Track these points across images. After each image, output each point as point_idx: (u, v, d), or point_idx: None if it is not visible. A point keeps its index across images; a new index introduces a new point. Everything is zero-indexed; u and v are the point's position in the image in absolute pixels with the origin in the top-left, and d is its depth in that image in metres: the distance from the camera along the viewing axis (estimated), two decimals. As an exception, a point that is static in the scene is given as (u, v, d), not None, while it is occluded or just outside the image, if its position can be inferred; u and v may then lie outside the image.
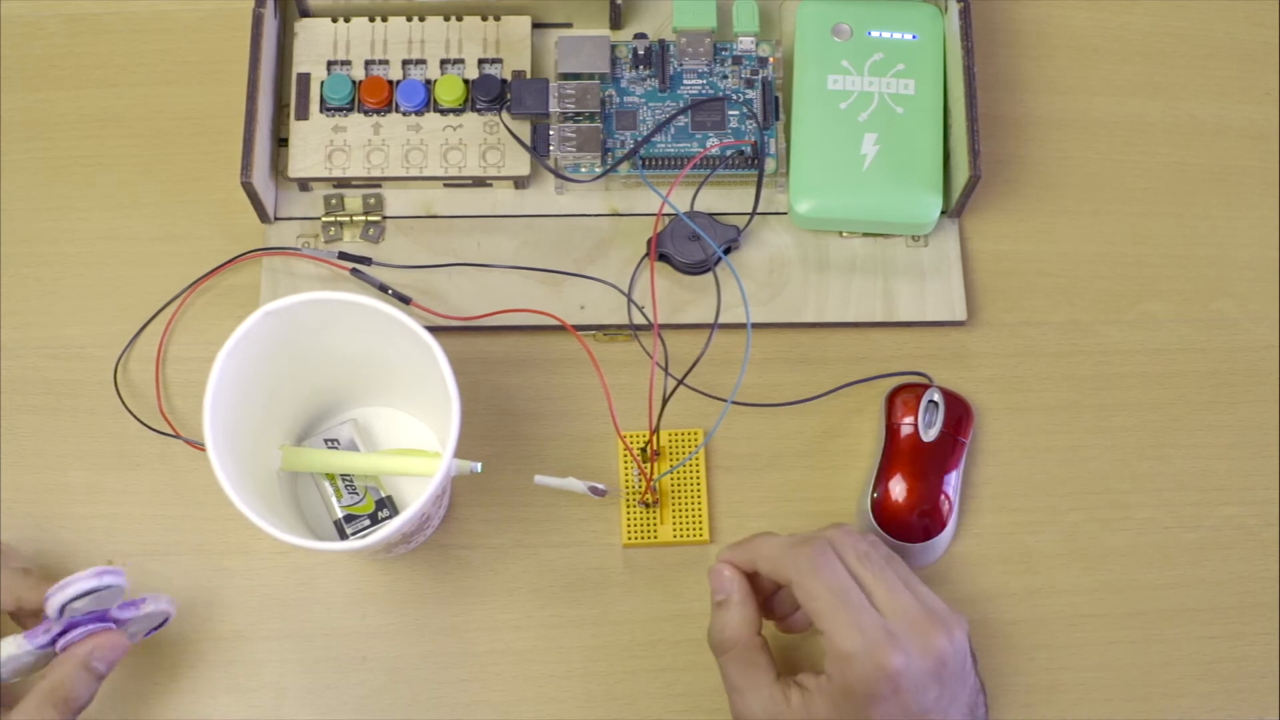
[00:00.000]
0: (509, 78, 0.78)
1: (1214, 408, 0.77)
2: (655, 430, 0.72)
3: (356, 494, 0.73)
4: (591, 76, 0.78)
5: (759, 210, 0.78)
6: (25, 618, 0.67)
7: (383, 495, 0.73)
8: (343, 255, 0.77)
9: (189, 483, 0.74)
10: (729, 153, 0.77)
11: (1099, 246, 0.79)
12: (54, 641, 0.64)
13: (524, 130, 0.78)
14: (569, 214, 0.78)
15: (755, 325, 0.76)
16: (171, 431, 0.75)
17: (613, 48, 0.79)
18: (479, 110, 0.78)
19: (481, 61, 0.79)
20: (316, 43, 0.79)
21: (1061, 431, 0.76)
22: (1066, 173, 0.81)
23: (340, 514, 0.72)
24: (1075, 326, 0.78)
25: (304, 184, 0.78)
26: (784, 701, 0.65)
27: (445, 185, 0.78)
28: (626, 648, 0.73)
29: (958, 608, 0.73)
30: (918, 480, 0.73)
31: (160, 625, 0.69)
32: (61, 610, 0.63)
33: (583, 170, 0.77)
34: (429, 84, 0.78)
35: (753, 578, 0.68)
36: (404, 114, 0.78)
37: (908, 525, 0.72)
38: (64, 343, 0.77)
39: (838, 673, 0.63)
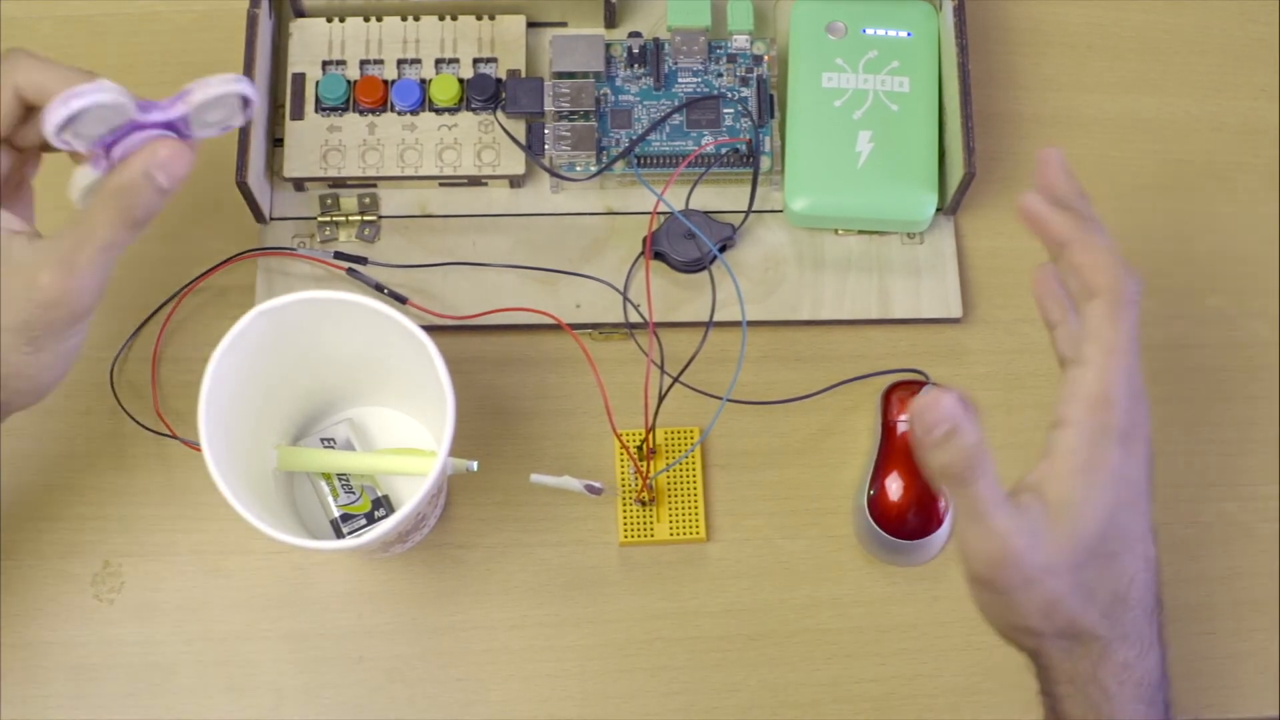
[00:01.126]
0: (504, 77, 0.78)
1: (1210, 404, 0.77)
2: (651, 428, 0.72)
3: (353, 493, 0.73)
4: (586, 75, 0.78)
5: (754, 208, 0.78)
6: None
7: (379, 494, 0.73)
8: (338, 255, 0.77)
9: (185, 483, 0.74)
10: (724, 151, 0.77)
11: (1094, 243, 0.79)
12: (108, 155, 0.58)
13: (519, 129, 0.78)
14: (564, 213, 0.78)
15: (751, 323, 0.76)
16: (168, 432, 0.75)
17: (607, 46, 0.79)
18: (474, 109, 0.78)
19: (476, 61, 0.79)
20: (311, 43, 0.79)
21: (1057, 428, 0.76)
22: (1062, 170, 0.81)
23: (336, 513, 0.72)
24: (1071, 323, 0.78)
25: (299, 184, 0.78)
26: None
27: (440, 184, 0.78)
28: (623, 646, 0.73)
29: (954, 605, 0.74)
30: (914, 477, 0.73)
31: (243, 110, 0.60)
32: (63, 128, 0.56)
33: (578, 169, 0.77)
34: (424, 83, 0.78)
35: None
36: (399, 113, 0.78)
37: (904, 523, 0.72)
38: (60, 344, 0.76)
39: (1094, 412, 0.56)
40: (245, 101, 0.59)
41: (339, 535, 0.72)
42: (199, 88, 0.58)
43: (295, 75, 0.78)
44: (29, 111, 0.60)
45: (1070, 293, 0.59)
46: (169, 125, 0.59)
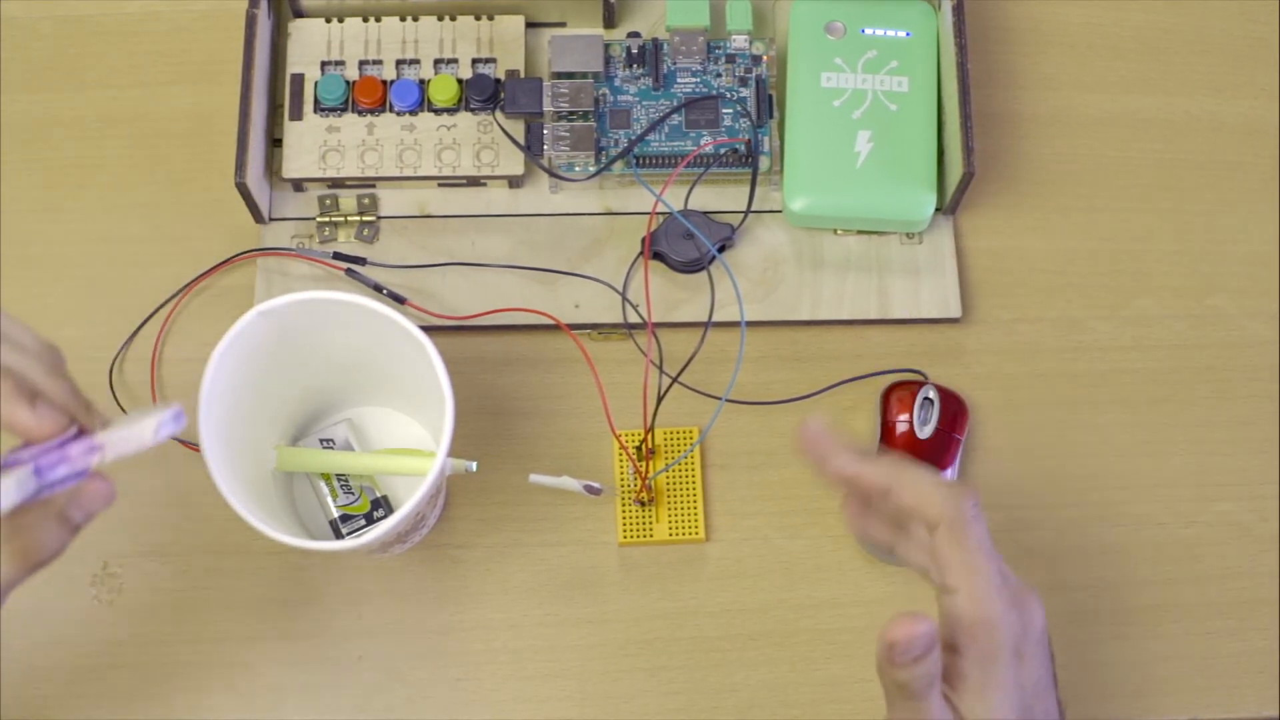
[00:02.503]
0: (503, 77, 0.78)
1: (1209, 404, 0.77)
2: (650, 429, 0.72)
3: (352, 494, 0.73)
4: (585, 75, 0.78)
5: (753, 208, 0.78)
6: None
7: (378, 495, 0.73)
8: (337, 255, 0.77)
9: (185, 483, 0.74)
10: (723, 151, 0.77)
11: (1094, 243, 0.79)
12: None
13: (518, 129, 0.78)
14: (563, 213, 0.78)
15: (750, 323, 0.76)
16: (167, 432, 0.75)
17: (606, 46, 0.79)
18: (473, 110, 0.78)
19: (475, 61, 0.79)
20: (310, 43, 0.79)
21: (1057, 428, 0.76)
22: (1061, 169, 0.81)
23: (336, 514, 0.72)
24: (1070, 323, 0.78)
25: (298, 184, 0.78)
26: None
27: (440, 185, 0.78)
28: (622, 646, 0.73)
29: (953, 605, 0.74)
30: (913, 477, 0.73)
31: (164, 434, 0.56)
32: None
33: (577, 169, 0.77)
34: (423, 84, 0.78)
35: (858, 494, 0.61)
36: (398, 114, 0.78)
37: (903, 522, 0.72)
38: (59, 344, 0.76)
39: (987, 635, 0.57)
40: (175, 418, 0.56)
41: (338, 536, 0.72)
42: (115, 444, 0.54)
43: (294, 75, 0.78)
44: None
45: (896, 518, 0.60)
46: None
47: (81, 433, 0.54)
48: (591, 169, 0.77)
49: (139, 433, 0.54)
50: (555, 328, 0.75)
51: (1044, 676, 0.59)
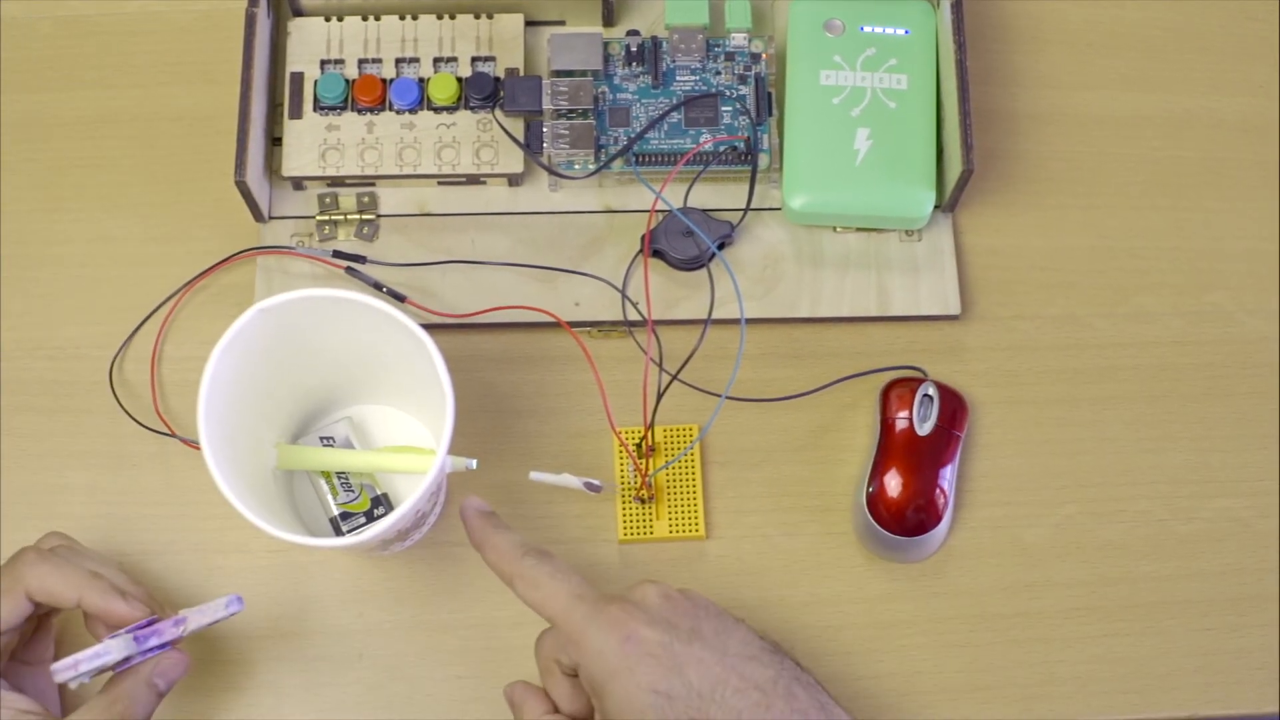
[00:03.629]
0: (502, 75, 0.79)
1: (1209, 400, 0.77)
2: (650, 426, 0.72)
3: (352, 491, 0.73)
4: (584, 73, 0.78)
5: (752, 206, 0.78)
6: (92, 622, 0.66)
7: (378, 493, 0.73)
8: (337, 254, 0.77)
9: (185, 482, 0.74)
10: (722, 149, 0.77)
11: (1093, 240, 0.80)
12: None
13: (517, 128, 0.78)
14: (563, 211, 0.78)
15: (749, 320, 0.76)
16: (167, 431, 0.75)
17: (605, 45, 0.79)
18: (472, 108, 0.78)
19: (474, 59, 0.79)
20: (310, 42, 0.79)
21: (1056, 425, 0.76)
22: (1060, 167, 0.81)
23: (336, 511, 0.72)
24: (1070, 320, 0.78)
25: (298, 183, 0.78)
26: None
27: (439, 183, 0.78)
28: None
29: (953, 602, 0.74)
30: (913, 474, 0.73)
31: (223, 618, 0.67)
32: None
33: (576, 167, 0.78)
34: (422, 82, 0.78)
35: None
36: (397, 112, 0.78)
37: (903, 519, 0.72)
38: (60, 343, 0.77)
39: (584, 656, 0.61)
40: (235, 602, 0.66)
41: (338, 533, 0.72)
42: (194, 617, 0.65)
43: (294, 74, 0.78)
44: (38, 606, 0.65)
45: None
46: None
47: (157, 619, 0.65)
48: (591, 167, 0.77)
49: (212, 608, 0.65)
50: (555, 325, 0.75)
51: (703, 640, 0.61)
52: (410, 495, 0.63)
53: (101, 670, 0.64)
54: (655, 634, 0.61)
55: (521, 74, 0.79)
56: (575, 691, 0.65)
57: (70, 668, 0.62)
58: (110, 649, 0.63)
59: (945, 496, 0.73)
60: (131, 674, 0.64)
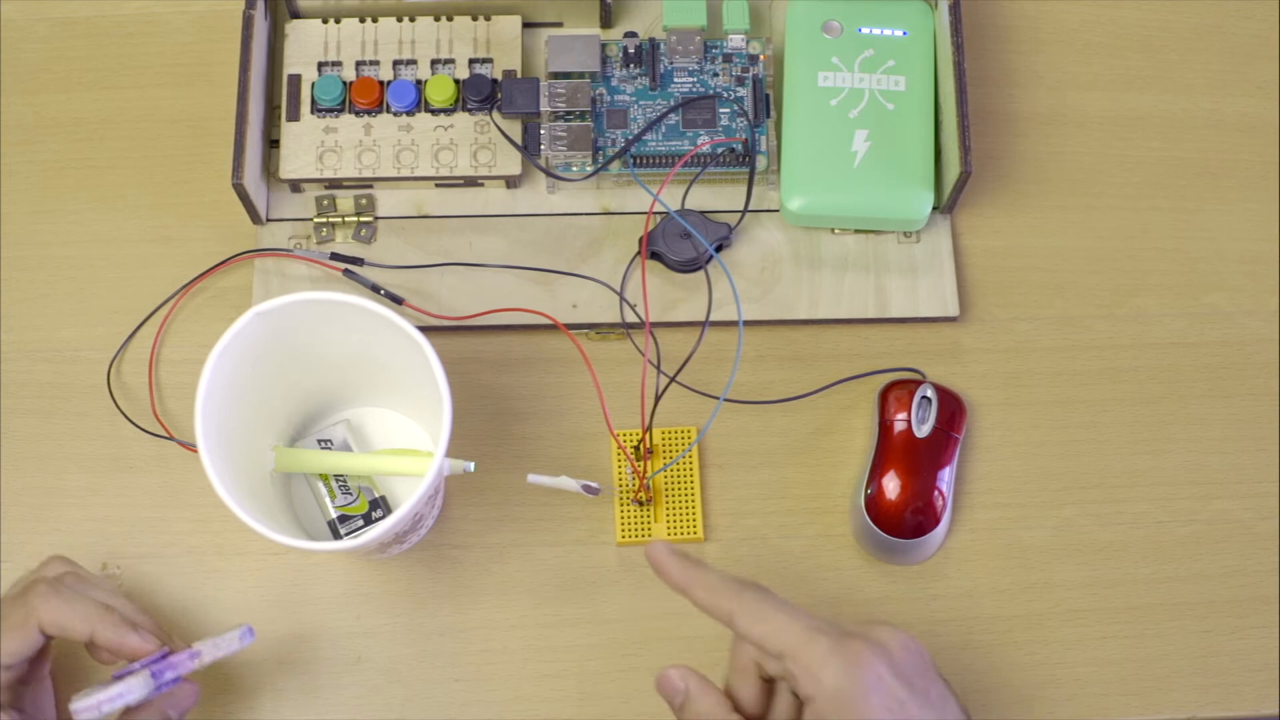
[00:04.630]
0: (499, 77, 0.78)
1: (1208, 402, 0.77)
2: (648, 428, 0.72)
3: (350, 494, 0.73)
4: (582, 75, 0.78)
5: (750, 208, 0.78)
6: (98, 650, 0.66)
7: (376, 495, 0.73)
8: (335, 256, 0.77)
9: (183, 485, 0.74)
10: (720, 150, 0.77)
11: (1091, 241, 0.79)
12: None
13: (515, 130, 0.78)
14: (560, 213, 0.78)
15: (747, 322, 0.76)
16: (165, 434, 0.75)
17: (603, 46, 0.79)
18: (470, 110, 0.78)
19: (472, 61, 0.79)
20: (307, 44, 0.79)
21: (1055, 426, 0.76)
22: (1058, 168, 0.81)
23: (334, 514, 0.72)
24: (1068, 321, 0.78)
25: (295, 185, 0.78)
26: None
27: (437, 185, 0.78)
28: (621, 646, 0.73)
29: (951, 604, 0.74)
30: (911, 476, 0.73)
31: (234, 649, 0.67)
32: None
33: (574, 169, 0.77)
34: (420, 84, 0.78)
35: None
36: (395, 114, 0.78)
37: (901, 521, 0.72)
38: (58, 346, 0.77)
39: (819, 686, 0.60)
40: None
41: (336, 536, 0.72)
42: (208, 650, 0.65)
43: (291, 76, 0.78)
44: (49, 638, 0.65)
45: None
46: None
47: (171, 651, 0.65)
48: (589, 169, 0.77)
49: (226, 641, 0.66)
50: (553, 328, 0.75)
51: (924, 689, 0.60)
52: (408, 498, 0.63)
53: (124, 708, 0.64)
54: (897, 686, 0.60)
55: (519, 76, 0.79)
56: (762, 698, 0.63)
57: (93, 708, 0.62)
58: (131, 688, 0.63)
59: (944, 498, 0.73)
60: (146, 707, 0.65)
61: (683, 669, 0.63)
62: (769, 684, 0.64)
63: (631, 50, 0.79)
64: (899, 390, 0.74)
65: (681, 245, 0.76)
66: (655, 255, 0.77)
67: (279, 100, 0.78)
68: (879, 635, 0.61)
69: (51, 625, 0.64)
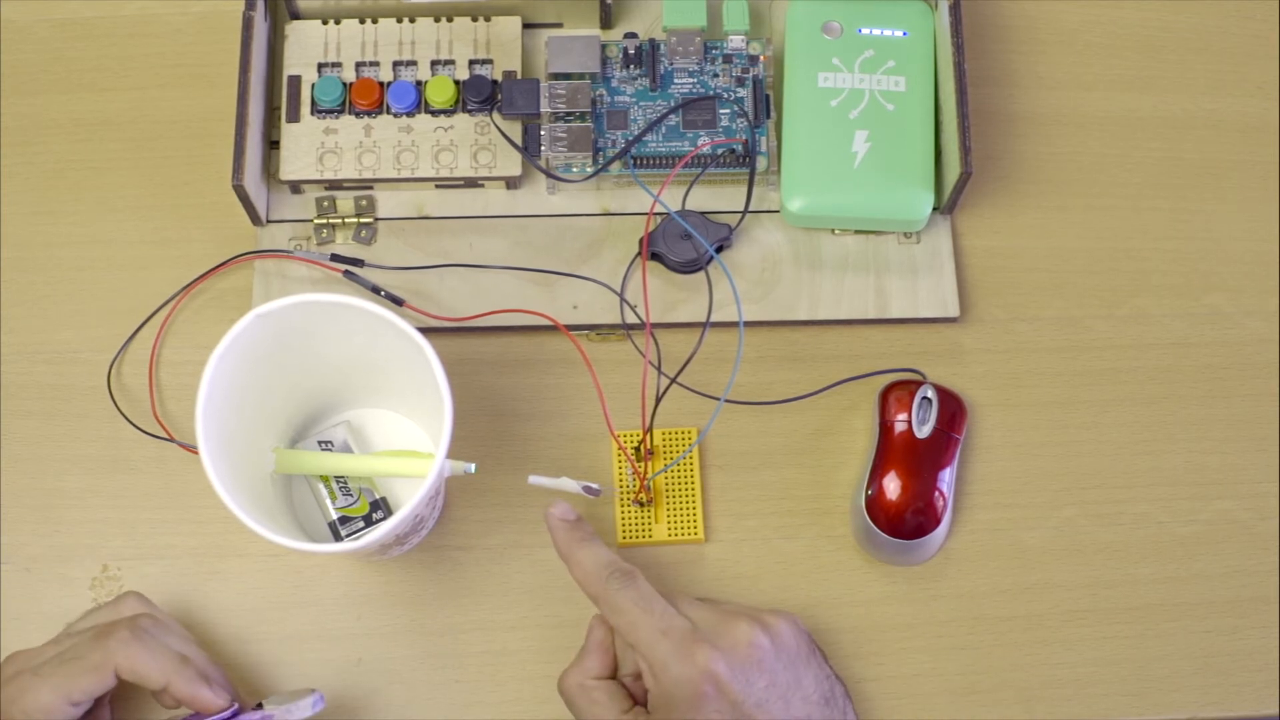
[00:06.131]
0: (500, 78, 0.78)
1: (1208, 402, 0.77)
2: (649, 429, 0.72)
3: (351, 496, 0.73)
4: (582, 76, 0.78)
5: (750, 208, 0.78)
6: (164, 695, 0.66)
7: (377, 497, 0.73)
8: (335, 257, 0.77)
9: (183, 486, 0.74)
10: (720, 151, 0.77)
11: (1091, 241, 0.79)
12: None
13: (515, 131, 0.78)
14: (561, 214, 0.78)
15: (748, 323, 0.76)
16: (165, 435, 0.75)
17: (603, 47, 0.79)
18: (470, 111, 0.78)
19: (472, 62, 0.79)
20: (307, 45, 0.79)
21: (1055, 427, 0.76)
22: (1058, 168, 0.81)
23: (335, 516, 0.72)
24: (1068, 322, 0.78)
25: (295, 186, 0.78)
26: None
27: (437, 186, 0.78)
28: (622, 647, 0.73)
29: (952, 604, 0.74)
30: (912, 477, 0.73)
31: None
32: None
33: (574, 170, 0.77)
34: (420, 85, 0.78)
35: None
36: (395, 115, 0.78)
37: (902, 522, 0.72)
38: (58, 347, 0.77)
39: (657, 687, 0.64)
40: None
41: (337, 538, 0.72)
42: (280, 714, 0.65)
43: (291, 77, 0.78)
44: (122, 682, 0.65)
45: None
46: None
47: (240, 708, 0.65)
48: (589, 170, 0.77)
49: (300, 707, 0.66)
50: (553, 329, 0.75)
51: (772, 696, 0.64)
52: (409, 499, 0.63)
53: None
54: (731, 691, 0.63)
55: (519, 77, 0.79)
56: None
57: None
58: None
59: (944, 499, 0.73)
60: None
61: (599, 622, 0.68)
62: None
63: (631, 51, 0.79)
64: (899, 391, 0.74)
65: (682, 246, 0.76)
66: (655, 256, 0.77)
67: (279, 101, 0.78)
68: (727, 637, 0.64)
69: (129, 672, 0.64)
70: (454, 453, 0.66)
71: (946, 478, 0.73)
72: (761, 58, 0.79)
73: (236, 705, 0.65)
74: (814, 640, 0.69)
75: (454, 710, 0.72)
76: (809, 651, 0.67)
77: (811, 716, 0.65)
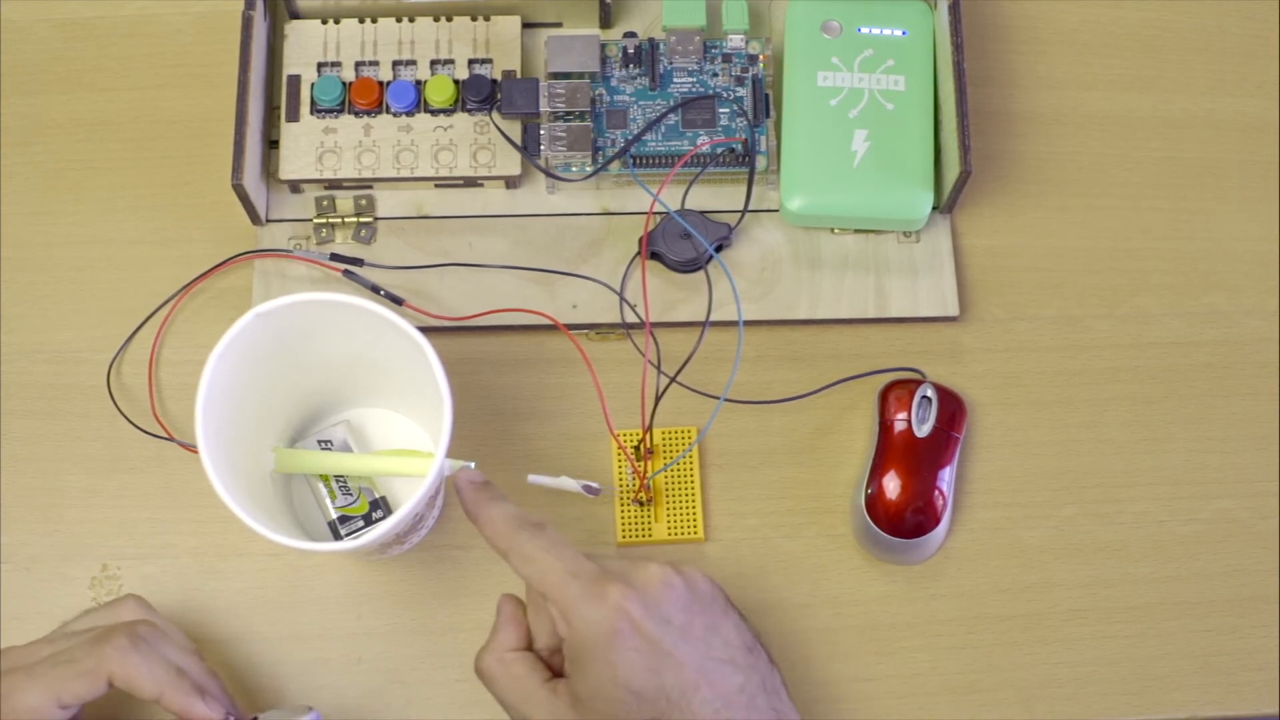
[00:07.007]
0: (499, 78, 0.78)
1: (1208, 401, 0.77)
2: (648, 428, 0.72)
3: (350, 495, 0.73)
4: (581, 75, 0.78)
5: (750, 208, 0.78)
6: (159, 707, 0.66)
7: (377, 496, 0.73)
8: (334, 257, 0.77)
9: (183, 486, 0.74)
10: (719, 150, 0.77)
11: (1091, 241, 0.79)
12: None
13: (515, 130, 0.78)
14: (560, 213, 0.78)
15: (747, 322, 0.76)
16: (165, 435, 0.75)
17: (602, 46, 0.79)
18: (469, 110, 0.78)
19: (471, 62, 0.79)
20: (306, 45, 0.79)
21: (1055, 426, 0.76)
22: (1058, 167, 0.81)
23: (334, 515, 0.72)
24: (1068, 321, 0.78)
25: (295, 186, 0.78)
26: (553, 697, 0.63)
27: (436, 186, 0.78)
28: (622, 646, 0.73)
29: (952, 604, 0.74)
30: (911, 476, 0.73)
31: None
32: None
33: (574, 169, 0.77)
34: (419, 85, 0.78)
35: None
36: (394, 115, 0.78)
37: (902, 521, 0.72)
38: (57, 347, 0.77)
39: (571, 632, 0.62)
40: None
41: (337, 537, 0.72)
42: None
43: (290, 77, 0.78)
44: (113, 689, 0.64)
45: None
46: None
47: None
48: (588, 169, 0.77)
49: None
50: (553, 328, 0.75)
51: (690, 634, 0.62)
52: (409, 498, 0.63)
53: None
54: (646, 628, 0.61)
55: (519, 76, 0.79)
56: (554, 630, 0.65)
57: None
58: None
59: (944, 498, 0.73)
60: None
61: (507, 598, 0.66)
62: None
63: (631, 50, 0.79)
64: (899, 390, 0.74)
65: (681, 245, 0.76)
66: (655, 255, 0.77)
67: (278, 101, 0.78)
68: (639, 576, 0.63)
69: (122, 680, 0.63)
70: (454, 452, 0.66)
71: (946, 477, 0.73)
72: (761, 57, 0.79)
73: (232, 718, 0.65)
74: (731, 601, 0.66)
75: (454, 710, 0.72)
76: (725, 604, 0.65)
77: (735, 660, 0.63)
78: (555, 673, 0.65)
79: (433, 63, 0.79)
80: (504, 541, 0.64)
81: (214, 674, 0.67)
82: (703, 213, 0.77)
